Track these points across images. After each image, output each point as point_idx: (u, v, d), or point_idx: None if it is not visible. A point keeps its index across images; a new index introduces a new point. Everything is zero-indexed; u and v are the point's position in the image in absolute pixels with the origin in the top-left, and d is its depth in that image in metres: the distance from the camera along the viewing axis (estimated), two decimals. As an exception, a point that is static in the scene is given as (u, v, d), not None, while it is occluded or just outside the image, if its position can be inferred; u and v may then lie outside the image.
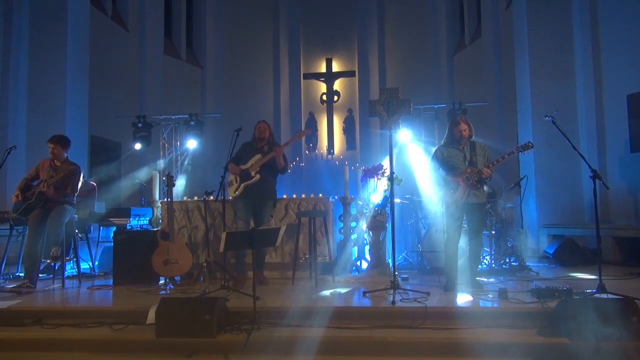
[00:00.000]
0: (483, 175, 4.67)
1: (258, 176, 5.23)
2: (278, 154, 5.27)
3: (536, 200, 7.97)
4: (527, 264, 6.08)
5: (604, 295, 4.16)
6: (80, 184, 5.53)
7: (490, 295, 4.40)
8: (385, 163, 6.11)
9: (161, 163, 9.10)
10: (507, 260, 6.06)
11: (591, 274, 5.36)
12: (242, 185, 5.23)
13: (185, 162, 9.25)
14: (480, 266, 5.39)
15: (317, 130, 12.66)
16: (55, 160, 5.42)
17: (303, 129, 12.44)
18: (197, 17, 13.07)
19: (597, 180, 4.42)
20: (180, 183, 8.45)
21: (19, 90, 7.83)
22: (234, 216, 5.34)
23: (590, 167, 4.49)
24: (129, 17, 11.03)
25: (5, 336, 3.92)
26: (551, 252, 6.82)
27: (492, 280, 5.35)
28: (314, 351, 3.52)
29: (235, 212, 5.31)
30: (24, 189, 5.33)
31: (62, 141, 5.43)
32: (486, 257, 6.04)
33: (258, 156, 5.32)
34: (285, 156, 5.45)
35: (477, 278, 4.93)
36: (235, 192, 5.27)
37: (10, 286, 5.17)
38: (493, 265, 5.97)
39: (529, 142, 4.85)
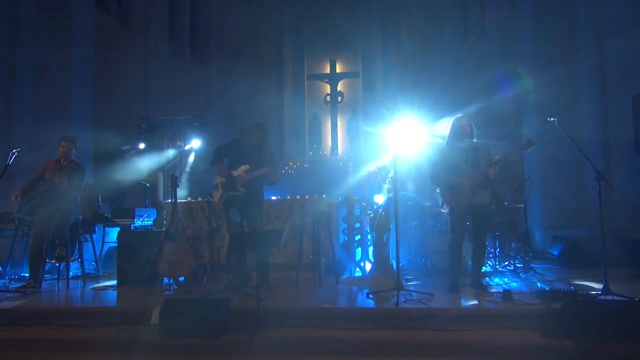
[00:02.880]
0: (489, 176, 4.66)
1: (243, 190, 5.01)
2: (275, 172, 5.03)
3: (540, 202, 7.93)
4: (531, 265, 6.06)
5: (609, 297, 4.14)
6: (83, 184, 5.59)
7: (494, 297, 4.39)
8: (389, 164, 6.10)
9: (165, 163, 9.13)
10: (511, 262, 6.05)
11: (596, 275, 5.32)
12: (228, 195, 5.00)
13: (189, 163, 9.28)
14: (484, 267, 5.38)
15: (321, 131, 12.65)
16: (62, 160, 5.48)
17: (307, 130, 12.49)
18: (202, 18, 13.09)
19: (601, 181, 4.40)
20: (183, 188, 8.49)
21: (24, 91, 7.85)
22: (227, 222, 5.16)
23: (594, 168, 4.48)
24: (134, 18, 11.05)
25: (10, 336, 3.94)
26: (555, 254, 6.79)
27: (496, 281, 5.33)
28: (318, 352, 3.53)
29: (227, 219, 5.15)
30: (25, 190, 5.35)
31: (74, 141, 5.59)
32: (490, 259, 6.02)
33: (246, 167, 5.06)
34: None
35: (481, 279, 4.92)
36: (220, 199, 5.03)
37: (16, 286, 5.20)
38: (497, 267, 5.96)
39: (531, 139, 4.83)
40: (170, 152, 9.43)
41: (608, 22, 7.63)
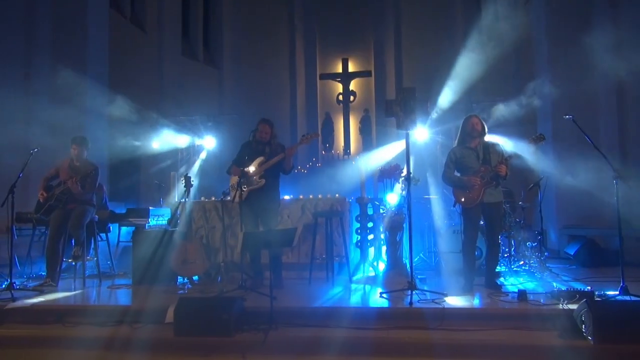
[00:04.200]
0: (500, 173, 4.62)
1: (263, 181, 5.06)
2: (289, 155, 5.10)
3: (556, 201, 7.84)
4: (547, 265, 5.99)
5: (627, 297, 4.08)
6: (97, 184, 5.66)
7: (509, 297, 4.35)
8: (402, 163, 6.07)
9: (179, 163, 9.20)
10: (527, 262, 5.98)
11: (613, 275, 5.25)
12: (247, 190, 5.04)
13: (202, 162, 9.34)
14: (498, 267, 5.33)
15: (333, 130, 12.67)
16: (74, 160, 5.55)
17: (319, 129, 12.48)
18: (214, 18, 13.17)
19: (618, 179, 4.34)
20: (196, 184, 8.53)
21: (41, 93, 7.96)
22: (241, 221, 5.17)
23: (611, 166, 4.41)
24: (147, 19, 11.16)
25: (27, 333, 4.01)
26: (572, 253, 6.71)
27: (510, 281, 5.28)
28: (331, 351, 3.53)
29: (241, 218, 5.14)
30: (46, 189, 5.46)
31: (84, 142, 5.64)
32: (505, 258, 5.96)
33: (260, 159, 5.13)
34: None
35: (496, 279, 4.88)
36: (236, 198, 5.02)
37: (33, 285, 5.28)
38: (512, 266, 5.90)
39: (541, 134, 4.77)
40: (184, 152, 9.49)
41: (625, 15, 7.50)
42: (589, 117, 7.48)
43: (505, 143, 5.19)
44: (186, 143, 9.41)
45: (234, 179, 5.21)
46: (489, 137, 4.95)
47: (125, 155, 9.55)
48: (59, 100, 8.03)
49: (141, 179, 10.07)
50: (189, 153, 9.46)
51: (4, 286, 4.77)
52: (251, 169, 5.12)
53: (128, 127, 9.71)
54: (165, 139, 9.12)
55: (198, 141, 9.23)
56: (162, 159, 9.75)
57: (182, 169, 9.24)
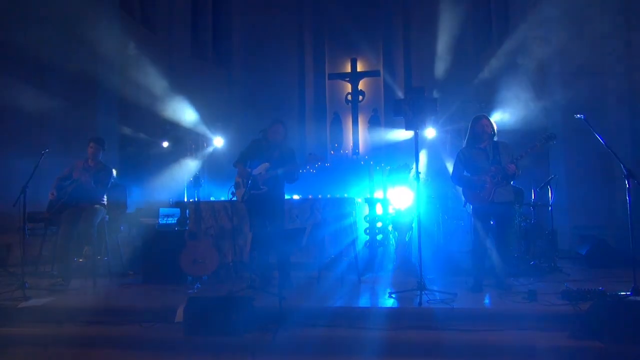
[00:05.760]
0: (508, 172, 4.59)
1: (265, 188, 5.00)
2: (294, 170, 5.06)
3: (567, 200, 7.77)
4: (558, 265, 5.94)
5: (639, 298, 4.03)
6: (109, 184, 5.71)
7: (519, 297, 4.31)
8: (411, 162, 6.05)
9: (188, 163, 9.27)
10: (537, 261, 5.93)
11: (625, 276, 5.20)
12: (251, 193, 4.99)
13: (211, 162, 9.41)
14: (508, 267, 5.29)
15: (342, 130, 12.66)
16: (89, 160, 5.61)
17: (328, 129, 12.51)
18: (223, 19, 13.22)
19: (631, 179, 4.29)
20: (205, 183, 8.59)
21: (53, 94, 8.05)
22: (249, 220, 5.18)
23: (623, 165, 4.37)
24: (157, 20, 11.22)
25: (39, 332, 4.05)
26: (583, 253, 6.64)
27: (521, 281, 5.24)
28: (340, 351, 3.53)
29: (250, 218, 5.16)
30: (58, 188, 5.51)
31: (102, 143, 5.72)
32: (515, 258, 5.92)
33: (266, 165, 5.06)
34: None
35: (506, 279, 4.84)
36: (243, 197, 5.02)
37: (45, 284, 5.33)
38: (522, 266, 5.85)
39: (551, 133, 4.73)
40: (194, 152, 9.56)
41: (638, 14, 7.41)
42: (600, 114, 7.40)
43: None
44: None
45: (239, 177, 5.21)
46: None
47: (135, 153, 9.61)
48: (71, 100, 8.11)
49: (151, 178, 10.13)
50: (197, 147, 9.51)
51: (15, 285, 4.82)
52: (256, 172, 5.08)
53: (137, 125, 9.80)
54: (175, 141, 9.19)
55: (216, 143, 9.28)
56: (171, 154, 9.79)
57: (190, 163, 9.30)
